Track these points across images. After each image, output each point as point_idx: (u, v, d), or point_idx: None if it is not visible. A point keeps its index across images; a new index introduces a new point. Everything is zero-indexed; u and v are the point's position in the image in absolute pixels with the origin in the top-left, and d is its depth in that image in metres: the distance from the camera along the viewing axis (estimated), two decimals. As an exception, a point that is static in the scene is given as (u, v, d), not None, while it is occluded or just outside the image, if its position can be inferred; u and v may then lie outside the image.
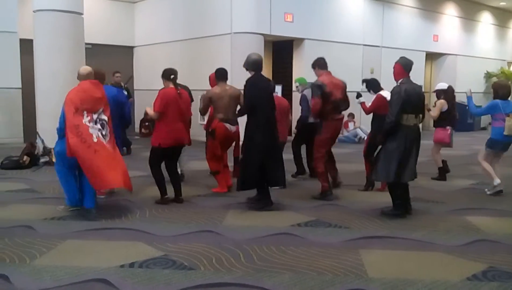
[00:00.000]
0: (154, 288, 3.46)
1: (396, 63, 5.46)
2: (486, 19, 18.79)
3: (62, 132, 5.26)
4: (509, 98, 6.65)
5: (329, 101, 6.07)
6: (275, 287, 3.49)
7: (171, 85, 5.88)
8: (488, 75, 18.51)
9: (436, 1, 16.57)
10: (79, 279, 3.59)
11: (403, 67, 5.41)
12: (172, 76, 5.89)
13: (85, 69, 5.53)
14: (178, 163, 7.23)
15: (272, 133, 5.66)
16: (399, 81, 5.38)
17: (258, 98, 5.60)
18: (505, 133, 6.41)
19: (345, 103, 6.35)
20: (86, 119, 5.21)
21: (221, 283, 3.56)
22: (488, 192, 6.67)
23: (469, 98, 6.95)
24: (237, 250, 4.23)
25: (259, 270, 3.80)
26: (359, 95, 6.94)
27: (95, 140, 5.19)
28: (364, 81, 7.11)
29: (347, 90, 6.43)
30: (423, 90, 6.16)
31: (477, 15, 18.38)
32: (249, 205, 5.80)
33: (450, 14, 17.18)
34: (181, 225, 5.02)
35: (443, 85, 7.70)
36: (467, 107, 6.98)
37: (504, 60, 19.81)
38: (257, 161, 5.55)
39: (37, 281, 3.56)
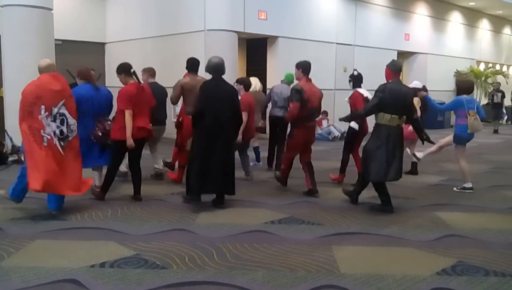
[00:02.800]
0: (126, 287, 3.41)
1: (386, 67, 5.61)
2: (456, 19, 19.17)
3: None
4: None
5: (306, 108, 5.99)
6: (248, 284, 3.49)
7: (131, 80, 5.81)
8: (458, 74, 18.90)
9: (408, 0, 16.81)
10: (49, 279, 3.52)
11: (391, 69, 5.57)
12: (132, 70, 5.80)
13: (45, 61, 5.35)
14: (155, 161, 7.23)
15: (217, 140, 5.50)
16: (389, 81, 5.51)
17: (208, 103, 5.45)
18: (469, 132, 6.56)
19: (318, 111, 6.39)
20: (43, 115, 5.02)
21: (194, 281, 3.54)
22: (456, 189, 6.82)
23: (428, 98, 7.10)
24: (210, 248, 4.21)
25: (232, 268, 3.79)
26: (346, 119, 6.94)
27: (45, 143, 5.02)
28: (351, 76, 7.12)
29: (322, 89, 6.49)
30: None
31: (447, 14, 18.73)
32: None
33: (421, 14, 17.46)
34: (154, 223, 4.97)
35: (418, 84, 7.86)
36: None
37: (473, 59, 20.24)
38: (199, 167, 5.46)
39: (5, 282, 3.47)
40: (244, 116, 6.66)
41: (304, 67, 6.19)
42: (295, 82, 6.94)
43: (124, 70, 5.85)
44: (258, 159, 8.57)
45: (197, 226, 4.90)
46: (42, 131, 5.02)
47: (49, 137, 5.07)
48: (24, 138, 5.00)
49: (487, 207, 5.88)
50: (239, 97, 6.88)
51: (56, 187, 5.10)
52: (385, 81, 5.56)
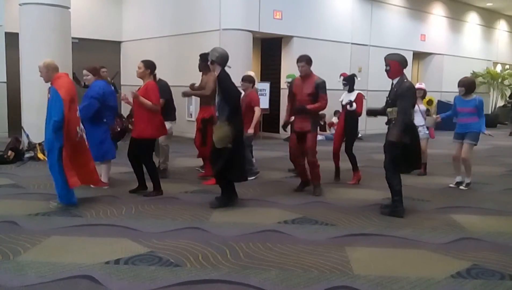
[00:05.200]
0: (140, 284, 3.44)
1: (391, 60, 5.34)
2: (473, 20, 18.97)
3: (61, 124, 5.14)
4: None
5: None
6: (262, 284, 3.49)
7: (150, 78, 6.06)
8: (474, 75, 18.70)
9: (424, 1, 16.69)
10: (64, 275, 3.56)
11: (401, 64, 5.36)
12: (155, 71, 6.17)
13: (54, 62, 5.43)
14: (159, 158, 7.35)
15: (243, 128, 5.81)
16: (400, 78, 5.33)
17: (237, 92, 5.69)
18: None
19: None
20: (78, 112, 5.38)
21: (207, 279, 3.56)
22: (465, 187, 6.96)
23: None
24: (224, 247, 4.22)
25: (246, 267, 3.80)
26: (351, 104, 7.05)
27: (78, 138, 5.32)
28: (346, 79, 7.25)
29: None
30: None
31: (464, 15, 18.55)
32: (214, 204, 5.66)
33: (438, 14, 17.31)
34: (168, 221, 5.00)
35: (424, 86, 8.06)
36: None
37: (490, 60, 20.02)
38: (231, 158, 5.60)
39: (21, 277, 3.52)
40: (258, 110, 7.09)
41: (312, 62, 6.32)
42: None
43: (151, 67, 6.06)
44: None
45: (211, 224, 4.92)
46: (78, 127, 5.32)
47: (80, 132, 5.37)
48: (57, 135, 5.15)
49: (503, 210, 5.81)
50: (247, 94, 7.21)
51: (85, 179, 5.56)
52: (391, 76, 5.37)
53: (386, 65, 5.38)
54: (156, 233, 4.58)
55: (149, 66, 5.99)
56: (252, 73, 8.19)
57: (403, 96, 5.23)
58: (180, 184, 6.77)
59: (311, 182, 6.48)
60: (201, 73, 7.08)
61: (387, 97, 5.51)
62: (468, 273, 3.78)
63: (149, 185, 6.14)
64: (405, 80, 5.33)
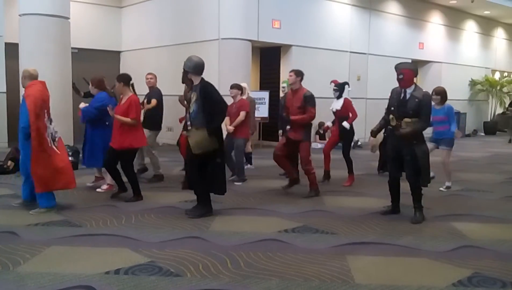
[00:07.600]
0: (140, 295, 3.42)
1: (404, 69, 5.30)
2: (470, 28, 19.05)
3: (27, 130, 5.28)
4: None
5: None
6: (262, 293, 3.48)
7: (130, 92, 6.21)
8: (473, 83, 18.75)
9: (422, 9, 16.76)
10: (64, 286, 3.54)
11: (414, 72, 5.38)
12: (131, 82, 6.26)
13: (35, 70, 5.63)
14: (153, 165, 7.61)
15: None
16: (415, 87, 5.34)
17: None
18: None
19: None
20: (46, 118, 5.40)
21: (208, 289, 3.54)
22: (444, 189, 7.27)
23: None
24: (224, 256, 4.21)
25: (246, 276, 3.78)
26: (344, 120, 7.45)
27: (50, 144, 5.39)
28: (337, 85, 7.61)
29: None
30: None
31: (462, 23, 18.63)
32: (189, 214, 5.57)
33: (436, 22, 17.38)
34: (168, 231, 4.98)
35: None
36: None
37: (488, 68, 20.08)
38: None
39: (20, 288, 3.50)
40: (242, 115, 7.40)
41: (302, 76, 6.58)
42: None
43: (124, 80, 6.21)
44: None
45: (211, 234, 4.90)
46: (45, 133, 5.36)
47: (48, 139, 5.41)
48: (35, 139, 5.22)
49: (504, 218, 5.80)
50: (237, 101, 7.50)
51: (55, 184, 5.49)
52: (404, 85, 5.32)
53: (398, 74, 5.32)
54: (156, 243, 4.57)
55: (120, 80, 6.21)
56: (245, 84, 8.34)
57: (427, 106, 5.35)
58: (178, 193, 6.75)
59: (309, 185, 6.74)
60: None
61: (391, 107, 5.46)
62: (470, 281, 3.77)
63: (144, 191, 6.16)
64: (423, 90, 5.38)
